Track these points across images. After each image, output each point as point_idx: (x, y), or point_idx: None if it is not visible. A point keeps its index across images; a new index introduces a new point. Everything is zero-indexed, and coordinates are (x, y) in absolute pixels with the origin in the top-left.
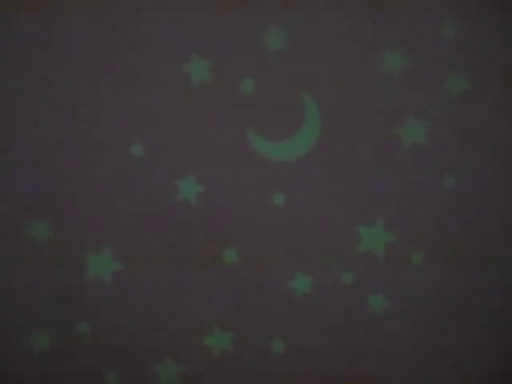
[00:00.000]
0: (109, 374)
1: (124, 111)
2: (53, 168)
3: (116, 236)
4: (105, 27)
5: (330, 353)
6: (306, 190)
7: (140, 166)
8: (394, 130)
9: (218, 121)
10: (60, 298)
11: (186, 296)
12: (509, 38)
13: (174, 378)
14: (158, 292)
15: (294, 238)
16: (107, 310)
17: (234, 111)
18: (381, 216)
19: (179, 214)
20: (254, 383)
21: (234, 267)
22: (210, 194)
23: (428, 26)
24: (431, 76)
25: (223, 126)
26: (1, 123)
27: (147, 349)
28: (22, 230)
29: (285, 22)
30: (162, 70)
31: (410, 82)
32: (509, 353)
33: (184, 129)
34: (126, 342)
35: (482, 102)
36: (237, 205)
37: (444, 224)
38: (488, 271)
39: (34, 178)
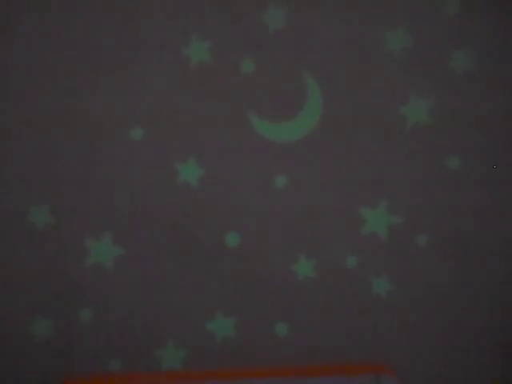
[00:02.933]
0: (111, 359)
1: (123, 95)
2: (53, 154)
3: (116, 221)
4: (104, 12)
5: (333, 335)
6: (308, 172)
7: (140, 150)
8: (396, 110)
9: (218, 102)
10: (61, 284)
11: (187, 281)
12: None
13: (177, 362)
14: (159, 277)
15: (297, 220)
16: (109, 296)
17: (235, 92)
18: (384, 198)
19: (180, 198)
20: (257, 366)
21: (236, 251)
22: (210, 176)
23: (430, 3)
24: (434, 54)
25: (224, 108)
26: (1, 109)
27: (149, 334)
28: (22, 217)
29: (285, 2)
30: (161, 52)
31: (413, 61)
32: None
33: (184, 111)
34: (128, 328)
35: (487, 80)
36: (238, 187)
37: (448, 205)
38: (490, 252)
39: (34, 164)
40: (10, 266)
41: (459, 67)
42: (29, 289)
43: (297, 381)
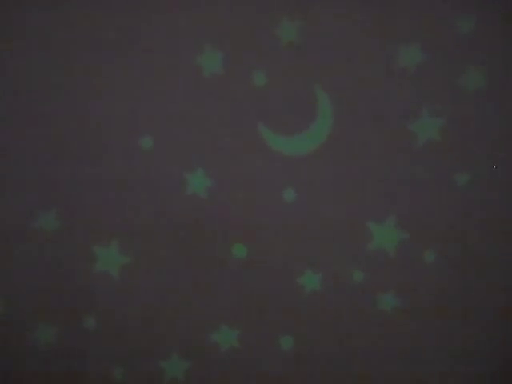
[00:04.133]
0: (114, 368)
1: (134, 103)
2: (62, 159)
3: (124, 229)
4: (115, 18)
5: (337, 350)
6: (317, 186)
7: (149, 159)
8: (408, 127)
9: (229, 114)
10: (67, 291)
11: (193, 291)
12: None
13: (181, 373)
14: (165, 287)
15: (305, 234)
16: (114, 304)
17: (246, 104)
18: (392, 213)
19: (188, 208)
20: (262, 380)
21: (243, 262)
22: (219, 187)
23: (444, 21)
24: (447, 72)
25: (234, 119)
26: (10, 114)
27: (154, 344)
28: (29, 222)
29: (298, 15)
30: (173, 62)
31: (425, 78)
32: None
33: (194, 121)
34: (132, 337)
35: (499, 99)
36: (247, 199)
37: (457, 222)
38: (502, 270)
39: (43, 170)
40: (16, 271)
41: (472, 85)
42: (34, 295)
43: None
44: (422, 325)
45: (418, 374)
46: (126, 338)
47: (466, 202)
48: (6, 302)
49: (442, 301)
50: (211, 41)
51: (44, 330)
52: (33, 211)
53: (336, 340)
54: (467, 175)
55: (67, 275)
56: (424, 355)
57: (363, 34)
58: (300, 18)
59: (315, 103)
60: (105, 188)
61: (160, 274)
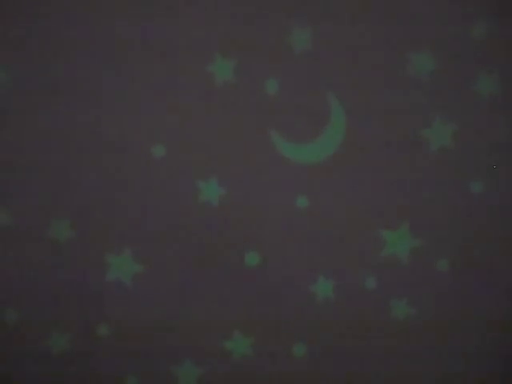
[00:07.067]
0: (128, 376)
1: (146, 111)
2: (74, 168)
3: (137, 237)
4: (128, 26)
5: (350, 357)
6: (329, 193)
7: (162, 167)
8: (420, 133)
9: (241, 122)
10: (80, 298)
11: (206, 299)
12: None
13: (193, 380)
14: (178, 294)
15: (317, 241)
16: (127, 312)
17: (258, 112)
18: (406, 220)
19: (201, 216)
20: None
21: (256, 270)
22: (232, 195)
23: (456, 27)
24: (459, 78)
25: (247, 127)
26: (24, 122)
27: (166, 351)
28: (42, 230)
29: (310, 23)
30: (185, 70)
31: (438, 84)
32: None
33: (207, 129)
34: (145, 344)
35: None
36: (259, 207)
37: (471, 229)
38: None
39: (55, 178)
40: (29, 279)
41: (484, 91)
42: (47, 303)
43: None
44: (435, 332)
45: (432, 379)
46: (138, 346)
47: (480, 210)
48: (19, 309)
49: (456, 309)
50: (223, 49)
51: (57, 337)
52: (46, 220)
53: (349, 347)
54: (481, 182)
55: (80, 283)
56: (437, 361)
57: (375, 41)
58: (311, 26)
59: (327, 111)
60: (117, 196)
61: (172, 282)
